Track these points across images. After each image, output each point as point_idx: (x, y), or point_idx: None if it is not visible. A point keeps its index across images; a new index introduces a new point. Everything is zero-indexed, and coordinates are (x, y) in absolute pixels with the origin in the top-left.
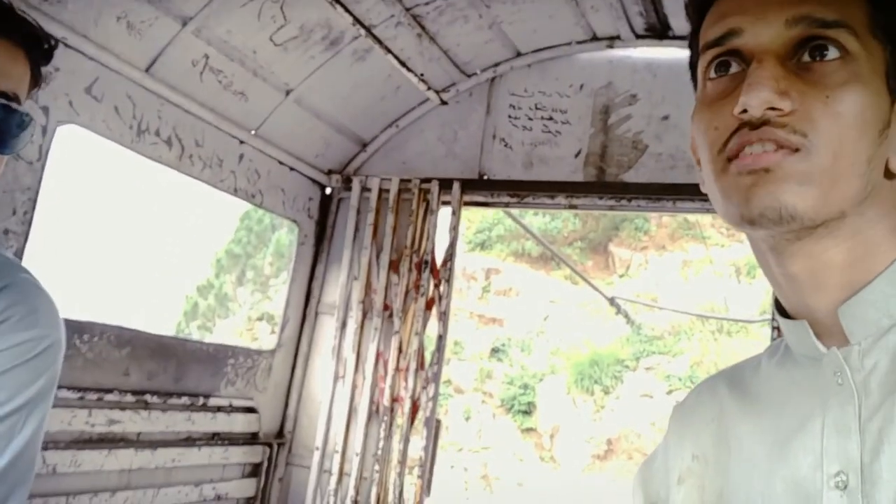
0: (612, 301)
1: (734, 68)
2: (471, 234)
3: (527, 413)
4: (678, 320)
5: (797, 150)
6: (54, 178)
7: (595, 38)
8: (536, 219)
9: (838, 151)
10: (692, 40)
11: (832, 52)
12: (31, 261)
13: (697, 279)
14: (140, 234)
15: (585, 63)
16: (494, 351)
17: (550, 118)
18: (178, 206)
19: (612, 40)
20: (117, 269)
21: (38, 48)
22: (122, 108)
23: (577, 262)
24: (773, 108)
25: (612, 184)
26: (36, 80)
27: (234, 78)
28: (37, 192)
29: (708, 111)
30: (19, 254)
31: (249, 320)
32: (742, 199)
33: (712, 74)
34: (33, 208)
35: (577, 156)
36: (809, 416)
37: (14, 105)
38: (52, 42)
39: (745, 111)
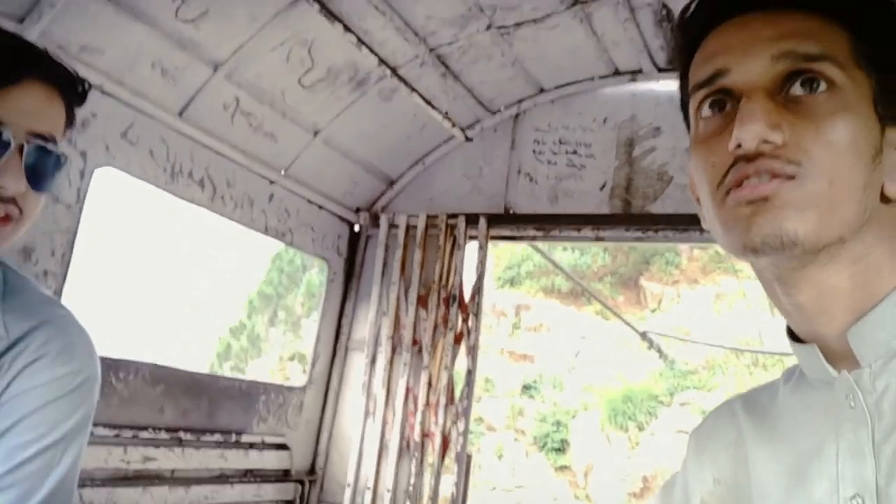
0: (643, 335)
1: (726, 107)
2: (500, 270)
3: (560, 450)
4: (712, 354)
5: (792, 177)
6: (92, 221)
7: (617, 73)
8: (566, 255)
9: (833, 177)
10: (682, 82)
11: (821, 85)
12: (69, 300)
13: (731, 312)
14: (174, 277)
15: (608, 97)
16: (526, 388)
17: (575, 152)
18: (212, 249)
19: (635, 74)
20: (152, 311)
21: (72, 90)
22: (157, 152)
23: (608, 298)
24: (766, 142)
25: (638, 216)
26: (70, 121)
27: (263, 120)
28: (75, 234)
29: (704, 149)
30: (58, 294)
31: (281, 360)
32: (743, 229)
33: (705, 114)
34: (71, 250)
35: (602, 188)
36: (824, 441)
37: (50, 146)
38: (86, 85)
39: (739, 146)
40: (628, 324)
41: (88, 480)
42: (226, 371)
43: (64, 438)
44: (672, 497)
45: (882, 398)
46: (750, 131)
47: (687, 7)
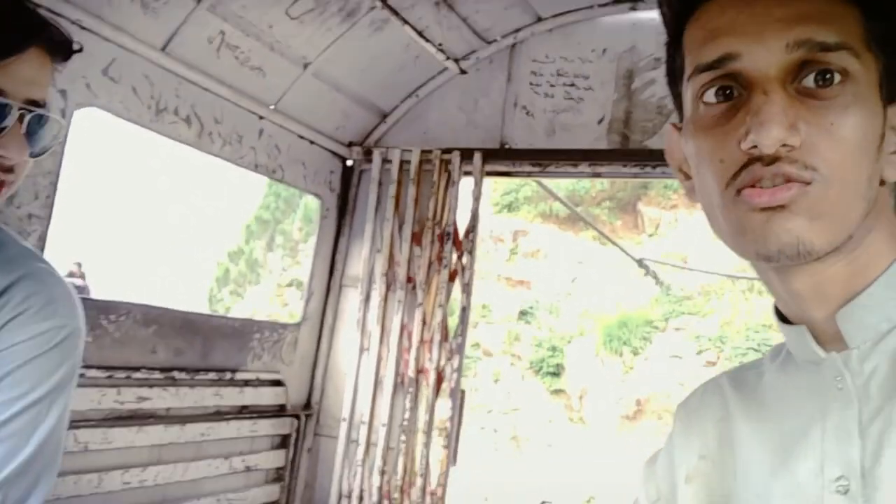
0: (640, 262)
1: (733, 94)
2: (497, 196)
3: (555, 375)
4: (708, 280)
5: (808, 183)
6: (79, 159)
7: (618, 1)
8: (563, 180)
9: (844, 179)
10: (672, 50)
11: (836, 77)
12: (55, 243)
13: None
14: (169, 208)
15: (608, 26)
16: (522, 314)
17: (573, 84)
18: (207, 176)
19: (636, 2)
20: (148, 245)
21: (64, 54)
22: (140, 89)
23: (606, 223)
24: (784, 145)
25: (636, 151)
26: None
27: (250, 53)
28: (57, 176)
29: (710, 139)
30: (43, 237)
31: (279, 287)
32: (758, 237)
33: (709, 99)
34: (55, 192)
35: (600, 122)
36: (810, 421)
37: (44, 112)
38: (77, 46)
39: (755, 147)
40: (624, 251)
41: (83, 421)
42: (225, 296)
43: (49, 393)
44: (656, 472)
45: (870, 380)
46: (769, 136)
47: None
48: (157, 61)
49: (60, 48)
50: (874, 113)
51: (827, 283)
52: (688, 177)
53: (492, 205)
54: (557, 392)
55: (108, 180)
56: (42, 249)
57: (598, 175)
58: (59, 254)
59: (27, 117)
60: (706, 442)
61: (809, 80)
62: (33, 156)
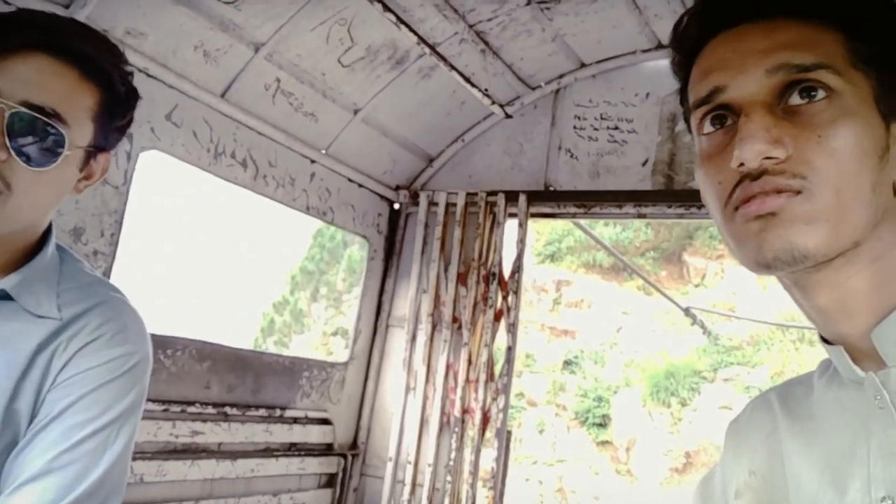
0: (686, 311)
1: (727, 122)
2: (540, 245)
3: (602, 426)
4: (757, 330)
5: (798, 192)
6: (139, 202)
7: (660, 46)
8: (607, 229)
9: (840, 186)
10: (682, 96)
11: (819, 93)
12: (117, 279)
13: (776, 287)
14: (218, 256)
15: (651, 71)
16: (567, 363)
17: (616, 128)
18: (255, 228)
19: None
20: (198, 289)
21: (89, 65)
22: (200, 133)
23: (651, 273)
24: (768, 158)
25: (681, 192)
26: (112, 107)
27: (304, 100)
28: (122, 215)
29: (710, 165)
30: (107, 273)
31: (324, 335)
32: (754, 246)
33: (707, 130)
34: (119, 230)
35: (644, 164)
36: (856, 440)
37: (43, 117)
38: (117, 58)
39: (742, 164)
40: (670, 299)
41: (139, 453)
42: (270, 345)
43: (119, 418)
44: (711, 489)
45: None
46: (751, 150)
47: (679, 21)
48: (217, 107)
49: (74, 56)
50: (870, 125)
51: (849, 297)
52: None
53: (534, 255)
54: (604, 443)
55: (165, 224)
56: None
57: (642, 216)
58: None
59: (6, 115)
60: (755, 457)
61: (795, 98)
62: (27, 163)
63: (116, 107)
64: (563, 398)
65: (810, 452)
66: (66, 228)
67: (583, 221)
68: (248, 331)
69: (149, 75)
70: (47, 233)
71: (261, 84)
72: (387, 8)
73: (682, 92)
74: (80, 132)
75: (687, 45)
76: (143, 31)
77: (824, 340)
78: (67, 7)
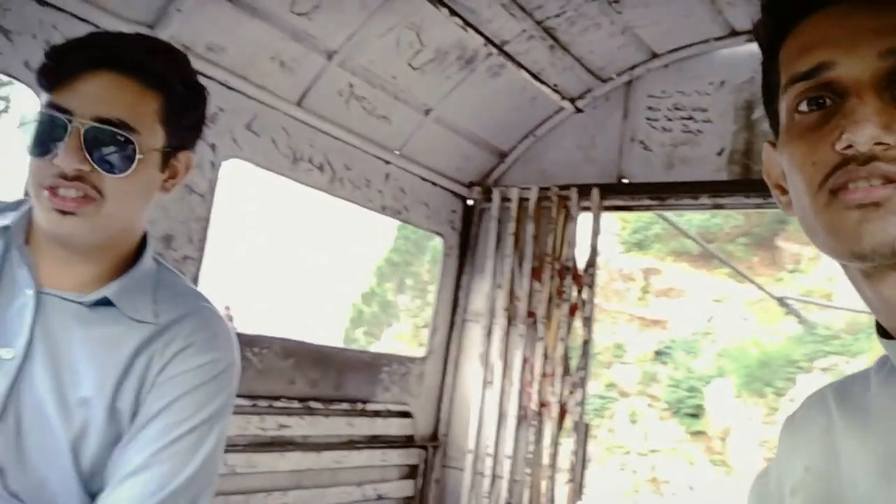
0: (781, 301)
1: (826, 101)
2: (626, 234)
3: (695, 416)
4: (855, 318)
5: None
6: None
7: (734, 34)
8: (696, 216)
9: None
10: (767, 65)
11: None
12: (206, 281)
13: None
14: (303, 251)
15: (725, 59)
16: (658, 353)
17: (690, 118)
18: (342, 220)
19: (752, 34)
20: (289, 286)
21: (149, 72)
22: (279, 140)
23: (742, 259)
24: (879, 143)
25: (759, 181)
26: (177, 110)
27: (377, 103)
28: (208, 222)
29: (803, 144)
30: (195, 277)
31: (415, 328)
32: (851, 235)
33: (803, 107)
34: (206, 235)
35: (720, 154)
36: None
37: (114, 129)
38: (178, 64)
39: (849, 147)
40: (764, 289)
41: (231, 446)
42: (359, 336)
43: (210, 418)
44: (766, 486)
45: None
46: (864, 134)
47: None
48: (293, 114)
49: (131, 63)
50: None
51: None
52: (784, 192)
53: (620, 243)
54: (697, 434)
55: (251, 227)
56: (196, 287)
57: (719, 206)
58: (211, 295)
59: (82, 130)
60: (811, 454)
61: None
62: (106, 171)
63: (180, 107)
64: (654, 388)
65: (865, 449)
66: (157, 235)
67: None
68: (338, 323)
69: (229, 87)
70: (143, 243)
71: (335, 90)
72: (453, 12)
73: (767, 64)
74: (150, 136)
75: (783, 12)
76: (223, 46)
77: (882, 335)
78: (152, 27)
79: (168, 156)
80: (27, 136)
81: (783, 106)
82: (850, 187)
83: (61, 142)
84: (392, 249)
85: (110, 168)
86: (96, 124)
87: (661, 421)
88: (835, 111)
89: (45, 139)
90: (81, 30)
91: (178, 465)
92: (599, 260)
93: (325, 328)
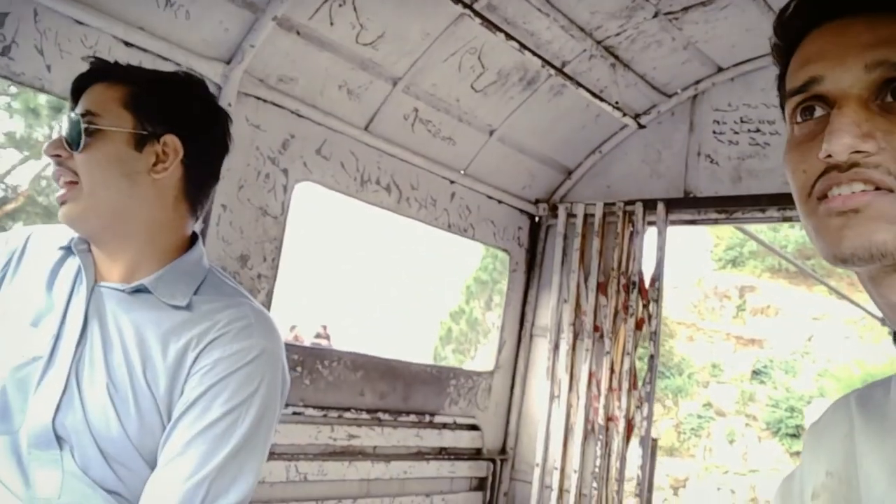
0: (883, 322)
1: (818, 112)
2: (720, 251)
3: (795, 436)
4: None
5: (891, 190)
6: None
7: None
8: (793, 231)
9: None
10: (780, 83)
11: None
12: (281, 297)
13: None
14: (395, 273)
15: None
16: (756, 373)
17: (758, 130)
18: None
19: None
20: (382, 304)
21: (109, 75)
22: (347, 163)
23: (842, 276)
24: (857, 152)
25: None
26: (138, 94)
27: (441, 126)
28: (281, 242)
29: (796, 153)
30: (270, 293)
31: None
32: (833, 240)
33: (798, 119)
34: (279, 255)
35: None
36: None
37: (80, 116)
38: (129, 68)
39: (829, 156)
40: (865, 309)
41: (302, 455)
42: (448, 354)
43: (243, 402)
44: (791, 489)
45: None
46: (839, 143)
47: (786, 7)
48: (361, 139)
49: (98, 73)
50: None
51: None
52: None
53: (714, 260)
54: (798, 454)
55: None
56: (269, 303)
57: (787, 219)
58: (308, 318)
59: (62, 124)
60: (833, 459)
61: (889, 97)
62: (72, 148)
63: (145, 94)
64: (752, 408)
65: (882, 453)
66: (233, 256)
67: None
68: (427, 341)
69: (300, 115)
70: (191, 244)
71: (400, 114)
72: (509, 36)
73: (780, 79)
74: (113, 118)
75: (789, 33)
76: (294, 77)
77: None
78: (228, 62)
79: (144, 139)
80: None
81: (786, 118)
82: (832, 194)
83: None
84: (480, 268)
85: (71, 146)
86: (71, 114)
87: (759, 441)
88: (826, 122)
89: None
90: (164, 68)
91: (212, 449)
92: (691, 277)
93: (416, 346)
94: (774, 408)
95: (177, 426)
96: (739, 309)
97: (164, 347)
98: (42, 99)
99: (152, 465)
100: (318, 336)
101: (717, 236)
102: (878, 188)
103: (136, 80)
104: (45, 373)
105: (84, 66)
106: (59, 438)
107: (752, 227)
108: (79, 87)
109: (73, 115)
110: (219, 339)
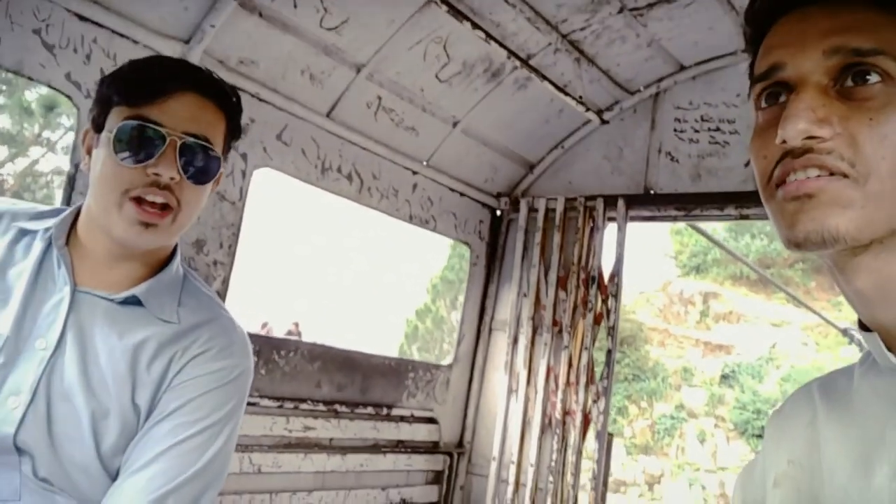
0: (845, 332)
1: (782, 98)
2: (685, 258)
3: (761, 437)
4: None
5: (845, 175)
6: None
7: None
8: (755, 242)
9: (887, 172)
10: (749, 72)
11: (873, 77)
12: (238, 286)
13: None
14: (367, 269)
15: None
16: (724, 377)
17: (717, 129)
18: (401, 239)
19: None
20: (349, 301)
21: (224, 99)
22: (308, 150)
23: (800, 285)
24: (812, 137)
25: None
26: (232, 130)
27: (405, 115)
28: (239, 228)
29: (758, 140)
30: (226, 280)
31: None
32: (787, 224)
33: (763, 105)
34: (237, 242)
35: (747, 165)
36: (887, 427)
37: (202, 142)
38: (236, 95)
39: (784, 141)
40: (827, 320)
41: (256, 446)
42: (413, 352)
43: (220, 421)
44: (752, 477)
45: None
46: (793, 129)
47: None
48: (323, 126)
49: (214, 92)
50: None
51: (888, 282)
52: None
53: (678, 266)
54: None
55: (317, 247)
56: (225, 291)
57: (745, 217)
58: (280, 314)
59: (178, 143)
60: (795, 447)
61: (849, 81)
62: (192, 180)
63: (235, 131)
64: (721, 410)
65: (844, 440)
66: (189, 241)
67: (727, 235)
68: (394, 338)
69: (260, 99)
70: (174, 250)
71: (363, 102)
72: (476, 25)
73: (751, 67)
74: (220, 151)
75: (758, 21)
76: (255, 60)
77: (862, 327)
78: (187, 42)
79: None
80: (117, 143)
81: (751, 105)
82: (787, 180)
83: (157, 152)
84: (446, 267)
85: (197, 178)
86: (190, 138)
87: (728, 441)
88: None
89: (139, 149)
90: (120, 45)
91: (185, 464)
92: (656, 282)
93: (384, 344)
94: (742, 410)
95: (147, 436)
96: (703, 315)
97: (151, 361)
98: (33, 96)
99: (115, 474)
100: (289, 333)
101: (681, 243)
102: (832, 173)
103: (233, 112)
104: (6, 376)
105: (35, 40)
106: (19, 448)
107: (714, 231)
108: (162, 87)
109: (210, 149)
110: (202, 356)
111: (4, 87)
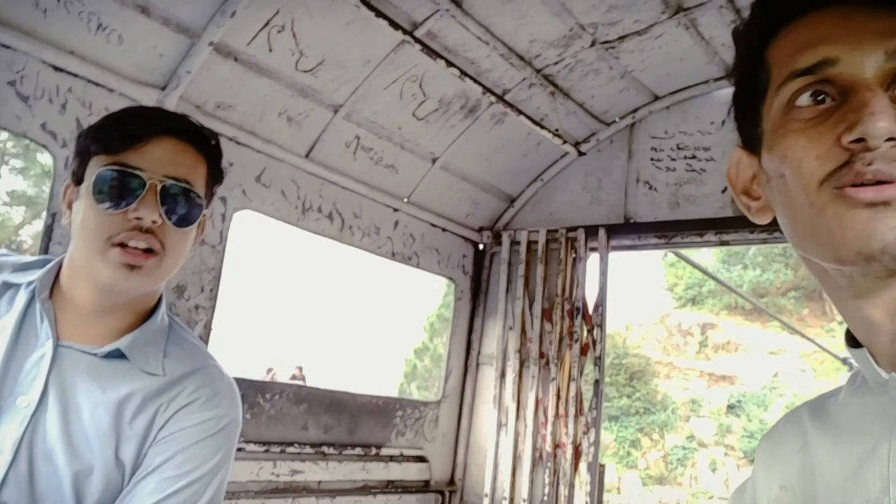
0: (844, 361)
1: (827, 99)
2: (680, 290)
3: None
4: None
5: None
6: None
7: (732, 75)
8: (748, 272)
9: None
10: (748, 67)
11: None
12: (219, 330)
13: None
14: (365, 311)
15: (725, 98)
16: (731, 407)
17: (694, 157)
18: (396, 279)
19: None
20: (348, 342)
21: (203, 142)
22: (288, 191)
23: (793, 312)
24: (890, 139)
25: None
26: (213, 173)
27: (384, 153)
28: (220, 272)
29: (803, 138)
30: (208, 325)
31: None
32: (860, 235)
33: (803, 102)
34: (218, 285)
35: (724, 191)
36: (879, 442)
37: (183, 185)
38: (215, 138)
39: (859, 140)
40: (825, 349)
41: (243, 493)
42: (413, 391)
43: (208, 473)
44: (743, 499)
45: None
46: (879, 126)
47: None
48: (302, 167)
49: (192, 136)
50: None
51: None
52: (754, 197)
53: (675, 298)
54: None
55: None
56: (207, 335)
57: (725, 243)
58: (283, 357)
59: (158, 186)
60: (786, 472)
61: None
62: (174, 223)
63: (216, 174)
64: (729, 439)
65: (837, 457)
66: (169, 286)
67: (720, 266)
68: (393, 377)
69: (238, 143)
70: (159, 299)
71: (342, 142)
72: (450, 63)
73: (752, 63)
74: (203, 195)
75: (775, 11)
76: (231, 104)
77: (850, 344)
78: (163, 88)
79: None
80: (97, 192)
81: (776, 103)
82: (858, 185)
83: (137, 196)
84: (442, 305)
85: (180, 221)
86: (170, 180)
87: (738, 468)
88: (835, 109)
89: (119, 194)
90: (95, 94)
91: None
92: (654, 315)
93: (383, 384)
94: (750, 438)
95: (133, 493)
96: (702, 345)
97: (136, 416)
98: (48, 159)
99: None
100: (293, 378)
101: (675, 275)
102: None
103: (213, 156)
104: None
105: (10, 91)
106: None
107: (705, 264)
108: (139, 133)
109: (192, 191)
110: (187, 407)
111: (22, 151)
